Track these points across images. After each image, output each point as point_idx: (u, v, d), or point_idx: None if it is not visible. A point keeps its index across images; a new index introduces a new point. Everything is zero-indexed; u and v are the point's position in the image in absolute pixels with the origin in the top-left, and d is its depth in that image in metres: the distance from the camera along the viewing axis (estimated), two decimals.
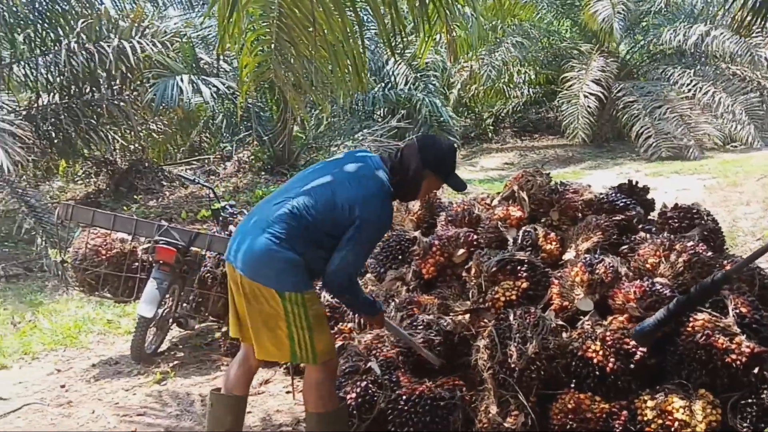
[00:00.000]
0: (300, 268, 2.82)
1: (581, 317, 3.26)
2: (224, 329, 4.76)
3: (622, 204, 3.94)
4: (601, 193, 4.05)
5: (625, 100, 13.90)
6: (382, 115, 13.19)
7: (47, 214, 7.58)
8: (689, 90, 13.80)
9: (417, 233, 4.20)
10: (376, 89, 12.21)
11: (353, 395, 3.21)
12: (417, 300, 3.72)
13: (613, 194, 4.05)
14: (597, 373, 2.98)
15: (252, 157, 11.06)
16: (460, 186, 3.07)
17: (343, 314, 4.30)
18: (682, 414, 2.83)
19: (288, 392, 4.13)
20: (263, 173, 10.72)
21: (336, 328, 4.24)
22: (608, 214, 3.87)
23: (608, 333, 3.04)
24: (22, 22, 9.38)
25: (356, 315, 3.94)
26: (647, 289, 3.11)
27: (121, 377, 4.59)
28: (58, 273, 5.99)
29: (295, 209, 2.81)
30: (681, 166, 12.48)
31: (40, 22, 9.48)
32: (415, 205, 4.51)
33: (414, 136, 3.40)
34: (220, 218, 5.32)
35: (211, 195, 5.88)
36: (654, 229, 3.95)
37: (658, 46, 15.39)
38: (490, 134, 18.28)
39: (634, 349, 2.98)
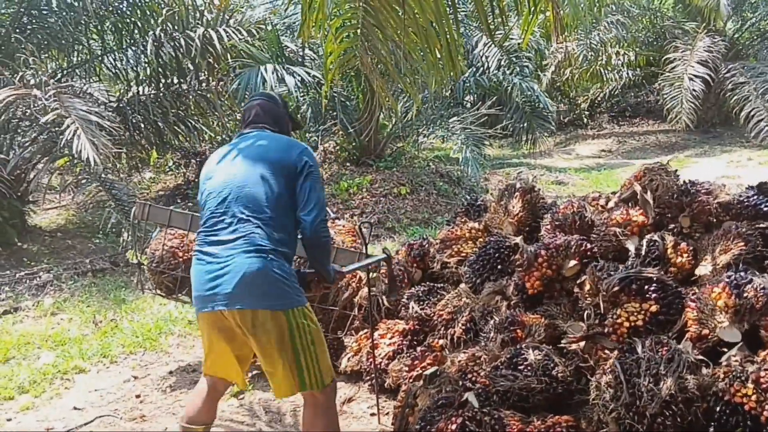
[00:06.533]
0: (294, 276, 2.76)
1: (725, 349, 2.70)
2: None
3: (767, 208, 3.32)
4: (740, 195, 3.43)
5: (735, 82, 12.83)
6: (472, 101, 12.62)
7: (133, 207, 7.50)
8: None
9: (519, 239, 3.71)
10: (466, 74, 11.65)
11: None
12: (520, 320, 3.24)
13: (754, 196, 3.43)
14: (749, 423, 2.43)
15: (338, 147, 10.73)
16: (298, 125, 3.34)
17: (433, 328, 3.88)
18: None
19: (373, 414, 3.75)
20: (348, 164, 10.38)
21: (425, 344, 3.85)
22: (750, 220, 3.27)
23: (763, 373, 2.47)
24: (111, 14, 9.37)
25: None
26: None
27: None
28: (135, 275, 5.83)
29: (252, 214, 2.71)
30: None
31: (128, 12, 9.45)
32: (516, 207, 4.02)
33: (252, 99, 3.15)
34: None
35: None
36: None
37: None
38: (585, 120, 17.42)
39: None
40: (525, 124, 12.92)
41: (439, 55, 4.14)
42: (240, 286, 2.59)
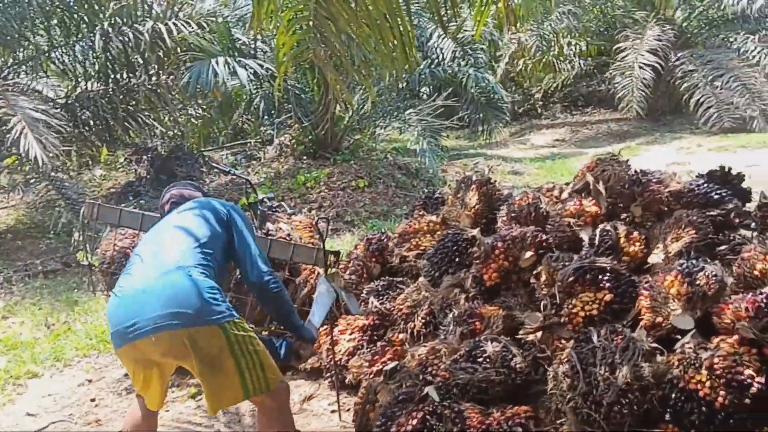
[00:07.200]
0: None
1: (678, 337, 2.74)
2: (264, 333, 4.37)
3: (717, 196, 3.38)
4: (690, 183, 3.49)
5: (684, 70, 13.11)
6: (428, 93, 12.64)
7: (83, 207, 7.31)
8: (754, 57, 12.97)
9: (476, 232, 3.71)
10: (421, 66, 11.64)
11: (408, 428, 2.76)
12: (479, 312, 3.24)
13: (705, 184, 3.49)
14: (704, 409, 2.47)
15: (293, 141, 10.63)
16: None
17: (393, 323, 3.87)
18: None
19: (333, 411, 3.72)
20: (305, 158, 10.28)
21: (385, 339, 3.83)
22: (701, 208, 3.33)
23: (716, 360, 2.51)
24: (57, 9, 9.10)
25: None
26: (763, 304, 2.56)
27: None
28: (87, 277, 5.71)
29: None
30: (747, 140, 11.69)
31: (75, 7, 9.18)
32: (472, 199, 4.02)
33: (167, 190, 3.30)
34: (258, 212, 4.92)
35: (249, 186, 5.45)
36: (754, 224, 3.38)
37: (719, 11, 14.45)
38: (539, 110, 17.61)
39: (749, 380, 2.45)
40: (480, 115, 13.01)
41: (392, 47, 4.11)
42: (164, 306, 2.46)
